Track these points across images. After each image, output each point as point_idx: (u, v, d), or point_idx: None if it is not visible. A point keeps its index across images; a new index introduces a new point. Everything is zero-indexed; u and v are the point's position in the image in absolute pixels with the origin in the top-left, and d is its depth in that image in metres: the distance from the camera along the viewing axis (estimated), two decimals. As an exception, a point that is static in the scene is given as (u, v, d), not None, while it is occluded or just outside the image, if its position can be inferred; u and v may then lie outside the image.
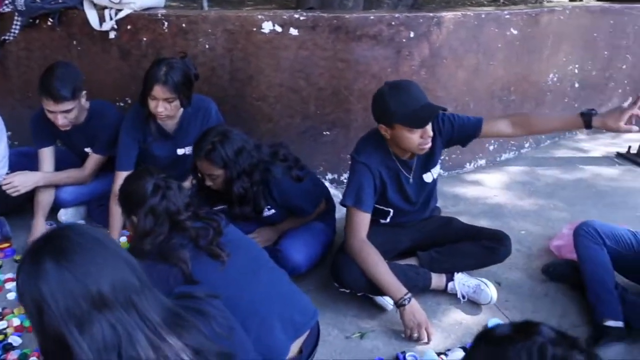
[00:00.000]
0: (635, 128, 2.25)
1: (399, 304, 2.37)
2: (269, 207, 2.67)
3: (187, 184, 3.02)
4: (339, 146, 3.48)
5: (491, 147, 4.04)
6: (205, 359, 1.20)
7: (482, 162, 4.06)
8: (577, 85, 4.43)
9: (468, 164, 3.99)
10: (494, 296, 2.58)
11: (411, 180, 2.58)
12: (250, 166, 2.50)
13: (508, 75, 3.82)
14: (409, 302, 2.36)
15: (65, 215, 3.26)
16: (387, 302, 2.51)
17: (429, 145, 2.37)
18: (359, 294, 2.55)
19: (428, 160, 2.58)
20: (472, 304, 2.64)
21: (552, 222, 3.35)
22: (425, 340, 2.38)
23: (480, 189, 3.77)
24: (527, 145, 4.32)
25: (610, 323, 2.34)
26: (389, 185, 2.54)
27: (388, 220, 2.70)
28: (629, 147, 4.33)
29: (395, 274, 2.44)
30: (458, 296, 2.64)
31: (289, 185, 2.60)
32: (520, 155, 4.31)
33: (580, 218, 3.38)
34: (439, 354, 2.32)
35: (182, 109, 2.91)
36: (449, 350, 2.35)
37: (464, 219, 3.18)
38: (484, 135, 2.55)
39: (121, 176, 2.98)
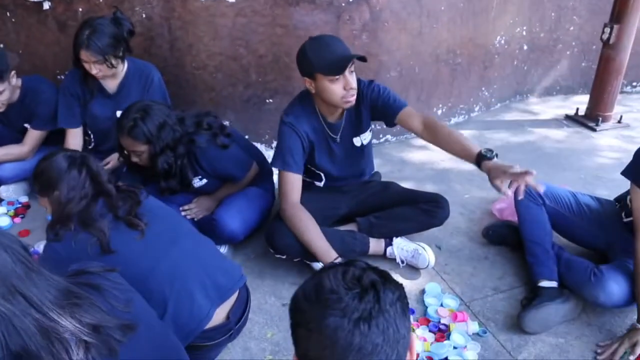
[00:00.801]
0: (509, 193, 2.10)
1: None
2: (200, 177, 2.62)
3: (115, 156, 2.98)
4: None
5: (439, 112, 3.99)
6: (106, 334, 1.16)
7: (431, 127, 4.00)
8: (525, 47, 4.37)
9: (416, 129, 3.92)
10: (431, 260, 2.55)
11: (338, 140, 2.54)
12: (174, 140, 2.45)
13: (453, 38, 3.75)
14: None
15: (7, 192, 3.16)
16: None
17: (353, 98, 2.34)
18: (295, 260, 2.51)
19: (356, 125, 2.54)
20: (411, 269, 2.61)
21: (496, 184, 3.32)
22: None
23: (427, 153, 3.72)
24: (476, 109, 4.27)
25: (544, 283, 2.33)
26: (317, 147, 2.50)
27: (323, 184, 2.65)
28: (577, 109, 4.31)
29: (332, 239, 2.42)
30: (397, 261, 2.61)
31: (215, 153, 2.55)
32: (470, 119, 4.26)
33: (525, 180, 3.38)
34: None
35: (124, 68, 2.89)
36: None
37: (409, 184, 3.15)
38: (399, 123, 2.49)
39: (72, 134, 3.02)
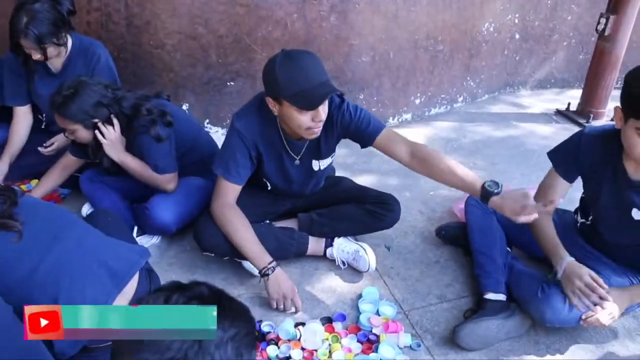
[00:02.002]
0: (534, 216, 1.82)
1: (262, 274, 2.13)
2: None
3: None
4: (245, 97, 3.14)
5: (417, 101, 3.71)
6: None
7: (407, 116, 3.73)
8: (517, 36, 4.05)
9: (391, 118, 3.66)
10: (372, 263, 2.32)
11: (298, 162, 2.25)
12: (109, 121, 2.28)
13: (434, 23, 3.45)
14: (272, 271, 2.12)
15: None
16: (253, 267, 2.25)
17: (319, 130, 2.02)
18: (224, 259, 2.30)
19: (315, 149, 2.23)
20: (354, 271, 2.38)
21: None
22: (292, 311, 2.14)
23: (399, 145, 3.44)
24: (460, 99, 3.98)
25: (490, 296, 2.09)
26: (267, 160, 2.21)
27: (269, 189, 2.40)
28: (569, 104, 3.99)
29: (266, 238, 2.22)
30: (337, 263, 2.38)
31: (146, 142, 2.34)
32: (453, 109, 3.97)
33: (498, 178, 3.10)
34: (297, 324, 2.08)
35: (69, 46, 2.67)
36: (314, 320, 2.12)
37: (371, 178, 2.92)
38: (377, 148, 2.19)
39: (19, 112, 2.82)
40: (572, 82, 4.44)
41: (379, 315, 2.14)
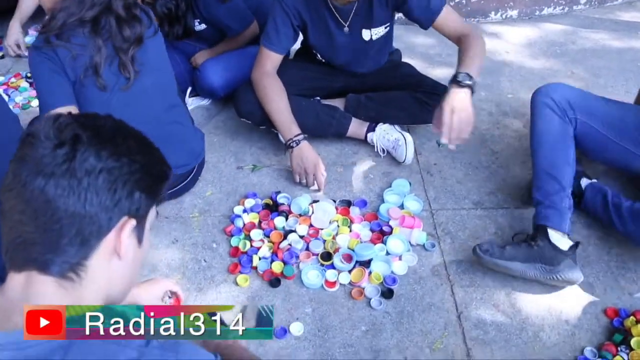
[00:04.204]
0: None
1: (287, 145, 2.02)
2: (198, 21, 2.38)
3: None
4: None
5: (527, -5, 3.18)
6: None
7: (513, 13, 3.22)
8: None
9: (494, 12, 3.19)
10: (409, 155, 2.09)
11: (346, 29, 2.03)
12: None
13: None
14: (297, 144, 2.00)
15: None
16: (289, 139, 2.14)
17: None
18: (261, 128, 2.19)
19: (366, 16, 2.00)
20: (393, 161, 2.17)
21: (556, 90, 2.60)
22: (315, 187, 2.02)
23: (494, 42, 3.00)
24: (583, 1, 3.33)
25: (554, 237, 1.62)
26: (312, 30, 2.04)
27: (322, 60, 2.22)
28: None
29: (306, 112, 2.10)
30: (376, 150, 2.18)
31: (213, 7, 2.29)
32: (571, 12, 3.35)
33: (596, 91, 2.62)
34: (314, 202, 1.95)
35: None
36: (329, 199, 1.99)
37: (449, 72, 2.58)
38: (435, 29, 1.95)
39: None
40: None
41: (403, 209, 1.94)
